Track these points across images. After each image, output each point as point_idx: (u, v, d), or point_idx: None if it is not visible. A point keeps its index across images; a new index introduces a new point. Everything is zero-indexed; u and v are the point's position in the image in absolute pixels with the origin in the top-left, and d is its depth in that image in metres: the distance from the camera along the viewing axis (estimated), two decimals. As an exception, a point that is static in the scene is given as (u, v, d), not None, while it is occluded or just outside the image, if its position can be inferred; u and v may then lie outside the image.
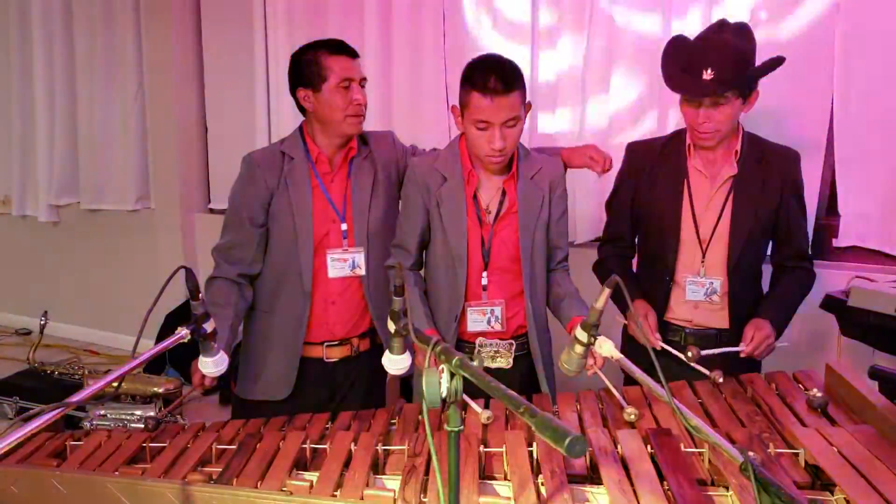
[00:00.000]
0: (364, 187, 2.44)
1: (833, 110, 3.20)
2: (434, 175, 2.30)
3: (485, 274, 2.30)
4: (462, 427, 1.29)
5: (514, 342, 2.32)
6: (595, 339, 1.64)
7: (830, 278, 3.05)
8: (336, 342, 2.46)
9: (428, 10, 3.84)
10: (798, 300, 2.41)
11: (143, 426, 2.00)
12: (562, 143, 3.55)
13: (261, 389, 2.45)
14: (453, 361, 1.26)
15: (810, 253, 3.19)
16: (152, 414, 3.55)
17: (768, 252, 2.55)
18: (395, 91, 3.94)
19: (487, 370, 2.27)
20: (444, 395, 1.28)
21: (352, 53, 2.34)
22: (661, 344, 2.29)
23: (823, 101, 3.21)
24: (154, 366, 4.15)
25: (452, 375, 1.28)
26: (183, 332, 1.68)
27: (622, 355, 1.61)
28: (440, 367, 1.30)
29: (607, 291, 1.58)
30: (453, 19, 3.79)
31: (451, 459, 1.29)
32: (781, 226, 2.41)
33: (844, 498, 1.56)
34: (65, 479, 1.66)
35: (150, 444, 1.87)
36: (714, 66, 2.17)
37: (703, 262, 2.38)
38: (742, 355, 2.26)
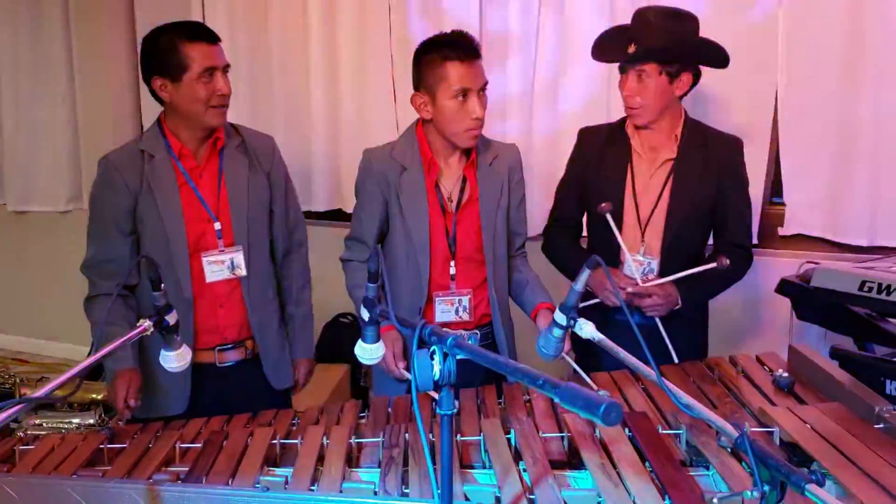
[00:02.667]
0: (239, 180, 2.25)
1: (777, 100, 3.27)
2: (392, 165, 2.25)
3: (452, 263, 2.26)
4: (455, 410, 1.25)
5: (478, 331, 2.29)
6: (575, 321, 1.61)
7: (778, 266, 3.11)
8: (229, 345, 2.28)
9: (372, 3, 3.78)
10: (720, 283, 2.45)
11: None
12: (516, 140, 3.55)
13: (154, 406, 2.21)
14: (448, 341, 1.22)
15: (755, 242, 3.30)
16: (91, 422, 3.41)
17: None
18: (342, 84, 3.86)
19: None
20: (436, 377, 1.23)
21: (212, 38, 2.14)
22: (641, 284, 2.34)
23: (768, 91, 3.27)
24: (91, 372, 3.97)
25: (445, 357, 1.23)
26: (145, 325, 1.59)
27: (603, 336, 1.59)
28: (431, 349, 1.25)
29: (587, 272, 1.57)
30: (399, 12, 3.73)
31: (443, 443, 1.24)
32: (719, 213, 2.46)
33: (823, 472, 1.57)
34: (18, 483, 1.55)
35: (109, 446, 1.77)
36: (637, 40, 2.29)
37: (642, 241, 2.43)
38: (639, 303, 2.34)
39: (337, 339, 3.98)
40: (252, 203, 2.26)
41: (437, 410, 1.25)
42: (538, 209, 3.37)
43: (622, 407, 0.96)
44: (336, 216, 4.02)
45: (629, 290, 2.33)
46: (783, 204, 3.37)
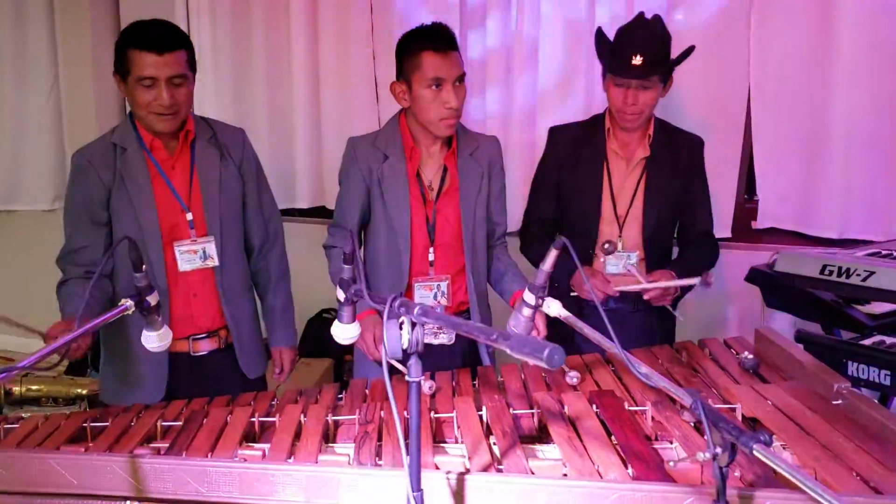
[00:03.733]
0: (211, 172, 2.29)
1: (749, 97, 3.34)
2: (374, 153, 2.31)
3: (431, 250, 2.32)
4: (423, 377, 1.30)
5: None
6: (543, 300, 1.67)
7: (751, 259, 3.17)
8: (202, 335, 2.31)
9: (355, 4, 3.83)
10: (701, 264, 2.55)
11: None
12: (491, 122, 3.62)
13: (132, 395, 2.21)
14: (415, 311, 1.27)
15: (729, 235, 3.39)
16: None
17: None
18: (324, 83, 3.91)
19: (430, 346, 2.31)
20: (405, 346, 1.29)
21: (161, 49, 2.09)
22: (618, 290, 2.39)
23: (740, 88, 3.35)
24: (76, 367, 4.01)
25: (413, 326, 1.29)
26: (127, 304, 1.64)
27: (569, 313, 1.65)
28: (400, 320, 1.30)
29: (554, 252, 1.63)
30: (381, 7, 3.78)
31: (412, 409, 1.30)
32: (687, 207, 2.60)
33: (782, 445, 1.64)
34: (2, 458, 1.60)
35: (92, 425, 1.81)
36: (642, 52, 2.35)
37: (620, 236, 2.54)
38: (646, 297, 2.40)
39: (321, 334, 4.02)
40: (224, 194, 2.30)
41: (407, 378, 1.31)
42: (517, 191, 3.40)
43: (563, 351, 1.01)
44: (320, 213, 4.07)
45: (625, 288, 2.40)
46: (756, 199, 3.45)
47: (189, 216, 2.24)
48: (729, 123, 3.39)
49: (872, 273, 2.09)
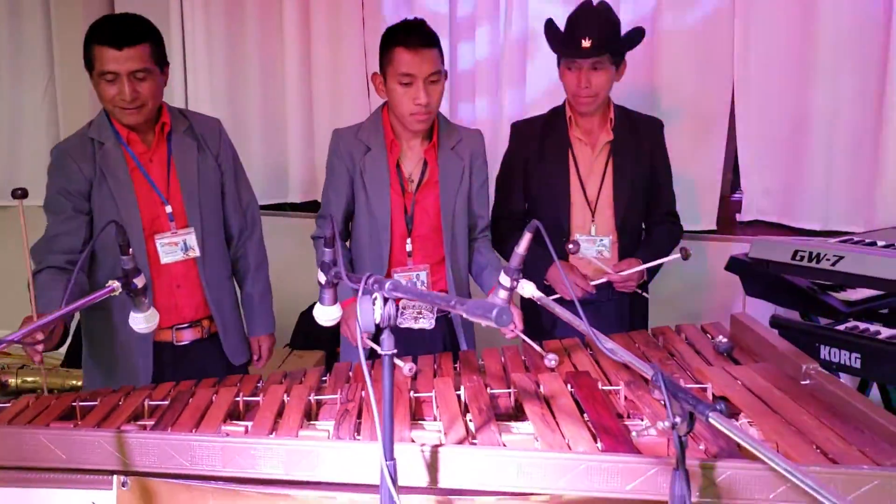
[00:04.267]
0: (188, 163, 2.32)
1: (734, 92, 3.40)
2: (357, 145, 2.37)
3: (409, 241, 2.37)
4: (396, 350, 1.36)
5: None
6: (517, 282, 1.73)
7: (735, 250, 3.23)
8: (185, 325, 2.35)
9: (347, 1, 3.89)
10: (665, 247, 2.61)
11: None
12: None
13: (118, 383, 2.16)
14: (386, 286, 1.33)
15: (714, 227, 3.44)
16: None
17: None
18: (314, 73, 3.96)
19: (410, 331, 2.36)
20: (378, 320, 1.34)
21: (120, 44, 2.10)
22: (592, 287, 2.45)
23: (724, 84, 3.41)
24: (72, 360, 4.06)
25: (386, 301, 1.34)
26: (114, 285, 1.69)
27: (542, 294, 1.71)
28: (373, 296, 1.36)
29: (528, 236, 1.68)
30: (372, 8, 3.84)
31: (385, 381, 1.35)
32: (653, 188, 2.65)
33: (748, 421, 1.69)
34: (-7, 435, 1.65)
35: (81, 404, 1.87)
36: (590, 34, 2.43)
37: (592, 221, 2.58)
38: (617, 286, 2.48)
39: (312, 328, 4.06)
40: (202, 185, 2.33)
41: (380, 351, 1.36)
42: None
43: (510, 310, 1.06)
44: (312, 207, 4.12)
45: (600, 280, 2.46)
46: (741, 192, 3.51)
47: (168, 208, 2.28)
48: (714, 119, 3.46)
49: (841, 258, 2.15)
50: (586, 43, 2.41)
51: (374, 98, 3.85)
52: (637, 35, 2.55)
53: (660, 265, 2.53)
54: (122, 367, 2.30)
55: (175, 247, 2.28)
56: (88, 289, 2.17)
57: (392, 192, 2.35)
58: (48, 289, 2.08)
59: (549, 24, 2.60)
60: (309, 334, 4.02)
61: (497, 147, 3.58)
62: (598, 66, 2.45)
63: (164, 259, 2.28)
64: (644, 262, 2.48)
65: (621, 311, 2.59)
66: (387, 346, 1.35)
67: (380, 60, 2.29)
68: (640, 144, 2.59)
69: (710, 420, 1.26)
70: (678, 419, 1.30)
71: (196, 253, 2.31)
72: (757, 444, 1.22)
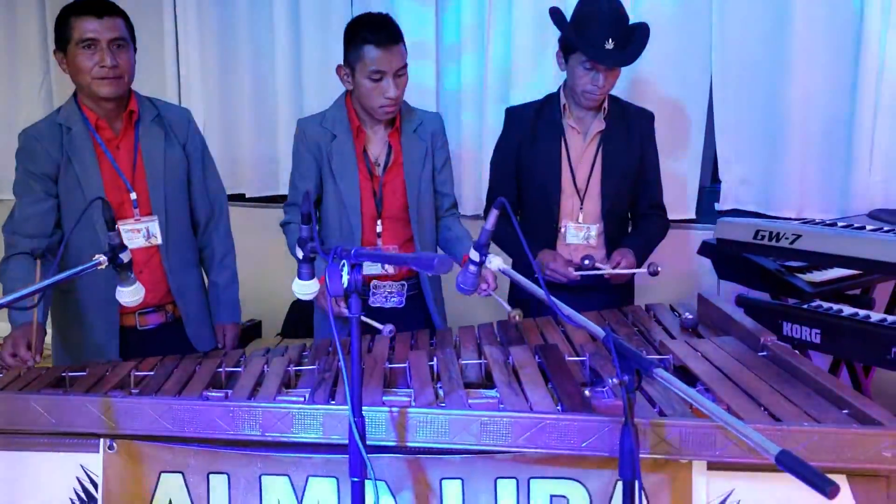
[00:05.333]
0: (155, 152, 2.34)
1: (711, 85, 3.48)
2: (323, 133, 2.45)
3: (379, 222, 2.46)
4: (363, 314, 1.45)
5: (405, 283, 2.49)
6: (485, 256, 1.81)
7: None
8: (150, 309, 2.36)
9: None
10: (655, 239, 2.68)
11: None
12: (465, 148, 3.77)
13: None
14: (352, 253, 1.42)
15: (693, 217, 3.52)
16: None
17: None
18: (306, 73, 4.03)
19: (382, 309, 2.45)
20: (345, 285, 1.43)
21: (99, 13, 2.18)
22: (577, 275, 2.49)
23: (703, 77, 3.49)
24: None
25: (353, 267, 1.43)
26: (100, 259, 1.76)
27: (508, 267, 1.79)
28: (341, 263, 1.45)
29: (495, 212, 1.76)
30: (362, 3, 3.92)
31: (353, 342, 1.44)
32: (640, 178, 2.70)
33: (705, 388, 1.78)
34: (-15, 400, 1.74)
35: (70, 374, 1.95)
36: (613, 35, 2.44)
37: (581, 209, 2.64)
38: (606, 276, 2.52)
39: (302, 318, 4.16)
40: (168, 174, 2.36)
41: (347, 314, 1.45)
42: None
43: (450, 260, 1.15)
44: (302, 199, 4.19)
45: (586, 272, 2.50)
46: (719, 182, 3.60)
47: (133, 196, 2.31)
48: (692, 111, 3.52)
49: (799, 236, 2.23)
50: (609, 45, 2.42)
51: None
52: (646, 32, 2.56)
53: (651, 250, 2.60)
54: (90, 351, 2.32)
55: (137, 234, 2.31)
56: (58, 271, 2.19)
57: (361, 177, 2.43)
58: (18, 280, 2.14)
59: (556, 13, 2.60)
60: (298, 324, 4.11)
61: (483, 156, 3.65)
62: (615, 69, 2.51)
63: (128, 245, 2.30)
64: (635, 251, 2.53)
65: (606, 299, 2.59)
66: (354, 310, 1.44)
67: (346, 53, 2.36)
68: (630, 135, 2.63)
69: (655, 376, 1.35)
70: (626, 376, 1.39)
71: (158, 241, 2.34)
72: (698, 397, 1.31)
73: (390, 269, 2.46)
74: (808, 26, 3.29)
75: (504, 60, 3.67)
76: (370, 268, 2.42)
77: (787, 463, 1.13)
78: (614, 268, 2.50)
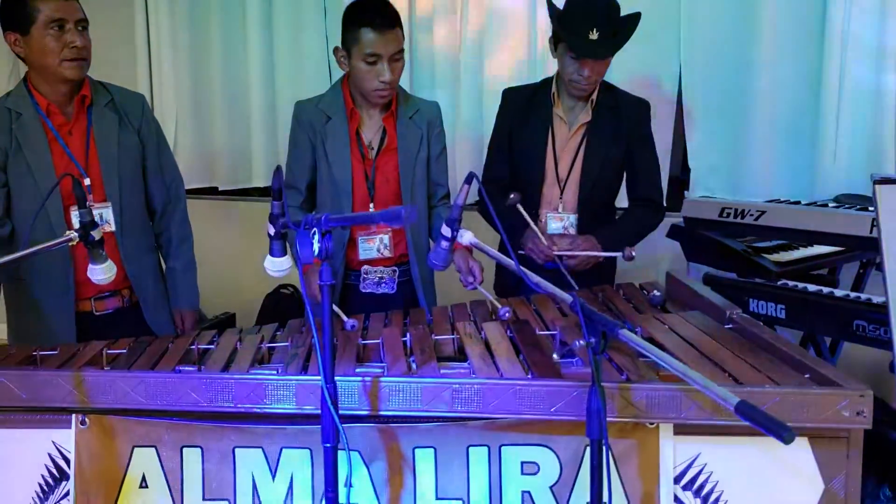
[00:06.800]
0: (109, 136, 2.32)
1: (681, 72, 3.54)
2: (318, 115, 2.47)
3: (371, 206, 2.47)
4: (333, 282, 1.46)
5: (396, 269, 2.51)
6: (457, 232, 1.84)
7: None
8: (106, 294, 2.36)
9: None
10: (631, 228, 2.69)
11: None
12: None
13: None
14: (322, 220, 1.43)
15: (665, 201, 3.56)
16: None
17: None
18: (279, 65, 4.05)
19: (374, 295, 2.47)
20: (316, 252, 1.45)
21: None
22: (555, 255, 2.52)
23: (672, 67, 3.55)
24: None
25: (324, 235, 1.45)
26: (71, 235, 1.76)
27: (479, 241, 1.82)
28: (312, 231, 1.46)
29: (466, 187, 1.80)
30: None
31: (324, 309, 1.46)
32: (630, 171, 2.72)
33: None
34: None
35: (41, 353, 1.95)
36: (598, 25, 2.46)
37: (560, 199, 2.67)
38: (573, 263, 2.54)
39: (278, 309, 4.16)
40: (122, 159, 2.35)
41: (319, 282, 1.47)
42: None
43: (416, 211, 1.17)
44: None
45: (561, 252, 2.54)
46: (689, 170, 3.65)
47: (87, 181, 2.27)
48: (662, 101, 3.58)
49: (763, 213, 2.29)
50: (594, 36, 2.43)
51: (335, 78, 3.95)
52: (637, 19, 2.58)
53: (622, 241, 2.59)
54: (46, 338, 2.27)
55: None
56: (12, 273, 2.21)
57: (353, 159, 2.45)
58: None
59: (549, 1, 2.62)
60: (275, 315, 4.11)
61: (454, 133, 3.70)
62: (605, 59, 2.52)
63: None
64: (599, 241, 2.55)
65: (586, 284, 2.57)
66: (326, 278, 1.46)
67: (343, 36, 2.38)
68: (618, 126, 2.63)
69: (620, 336, 1.38)
70: (593, 338, 1.42)
71: (112, 227, 2.32)
72: (662, 354, 1.34)
73: (385, 252, 2.48)
74: (774, 17, 3.36)
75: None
76: (366, 252, 2.44)
77: (746, 412, 1.16)
78: (583, 251, 2.52)
